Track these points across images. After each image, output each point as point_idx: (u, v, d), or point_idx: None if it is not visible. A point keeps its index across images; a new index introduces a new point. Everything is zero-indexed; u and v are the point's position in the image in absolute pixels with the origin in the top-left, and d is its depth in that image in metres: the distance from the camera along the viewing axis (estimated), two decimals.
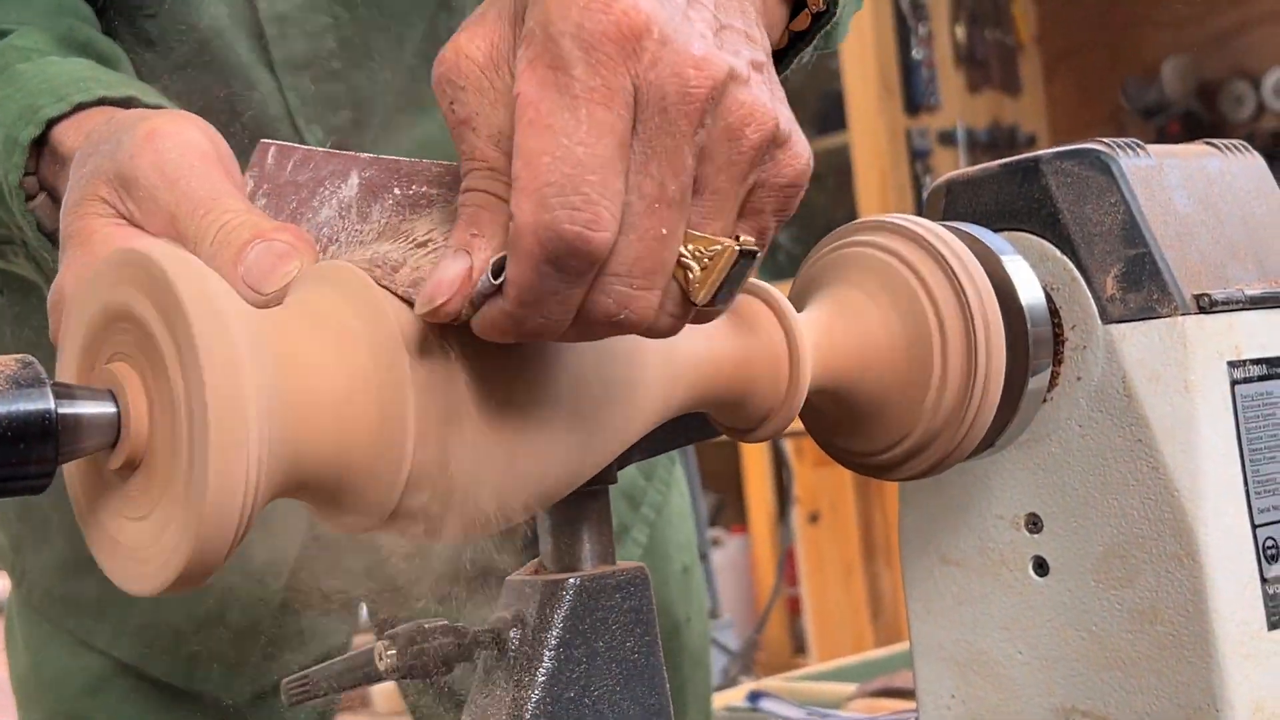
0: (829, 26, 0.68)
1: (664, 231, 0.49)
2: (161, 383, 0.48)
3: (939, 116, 3.83)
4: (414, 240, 0.54)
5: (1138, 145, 0.68)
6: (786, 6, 0.64)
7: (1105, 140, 0.68)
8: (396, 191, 0.57)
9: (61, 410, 0.47)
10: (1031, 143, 3.97)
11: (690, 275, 0.50)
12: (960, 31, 3.92)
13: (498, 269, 0.49)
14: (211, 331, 0.47)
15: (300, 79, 0.90)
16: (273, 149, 0.60)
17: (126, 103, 0.70)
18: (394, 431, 0.51)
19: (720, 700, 1.98)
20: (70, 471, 0.52)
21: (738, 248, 0.50)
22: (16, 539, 1.05)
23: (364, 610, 1.12)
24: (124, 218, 0.60)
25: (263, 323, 0.50)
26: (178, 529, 0.48)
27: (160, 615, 1.01)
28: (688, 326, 0.54)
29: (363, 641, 1.16)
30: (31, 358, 0.47)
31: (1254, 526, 0.65)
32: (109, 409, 0.49)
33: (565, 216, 0.47)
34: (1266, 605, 0.65)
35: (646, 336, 0.52)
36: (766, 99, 0.50)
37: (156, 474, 0.49)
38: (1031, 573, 0.69)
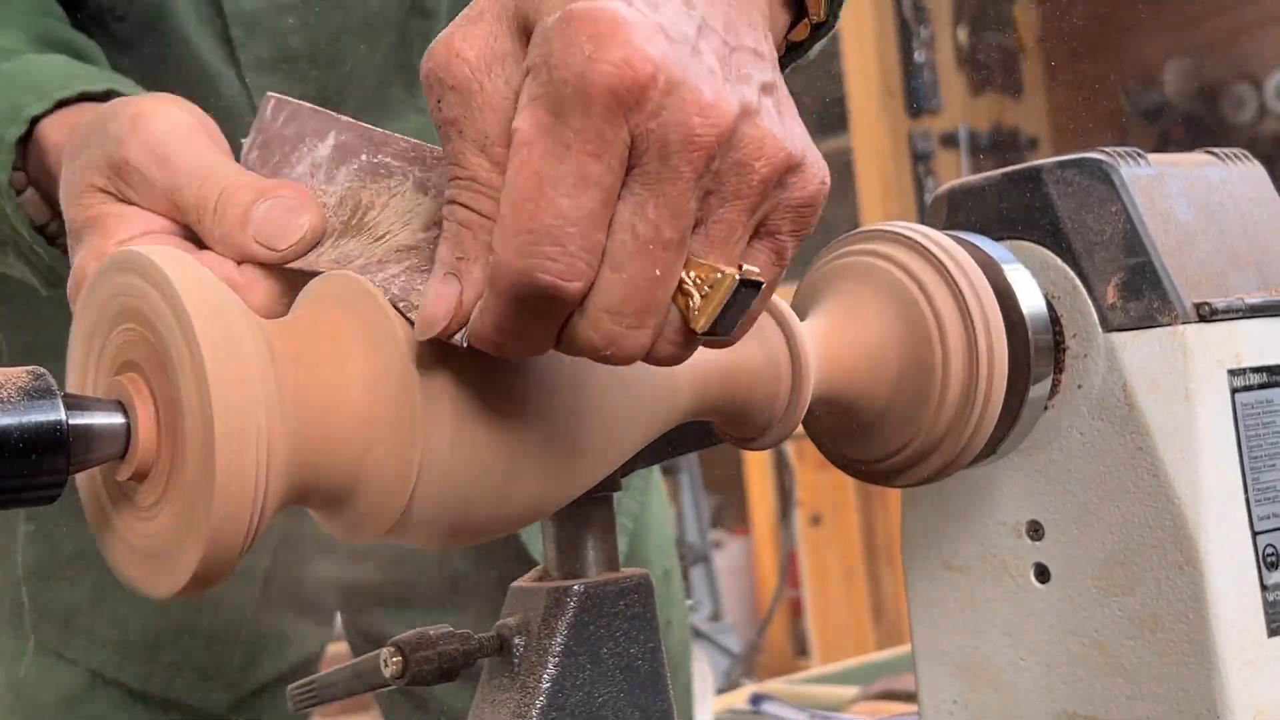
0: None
1: (657, 273, 0.49)
2: (170, 393, 0.49)
3: (941, 119, 3.84)
4: (375, 236, 0.55)
5: (1138, 154, 0.69)
6: (789, 14, 0.64)
7: (1106, 149, 0.68)
8: (364, 157, 0.58)
9: (73, 421, 0.47)
10: (1034, 145, 3.98)
11: (690, 303, 0.50)
12: (962, 34, 3.92)
13: None
14: (219, 342, 0.47)
15: (268, 81, 0.89)
16: (272, 101, 0.61)
17: (106, 96, 0.70)
18: (401, 440, 0.51)
19: (722, 703, 1.99)
20: (83, 478, 0.53)
21: (738, 277, 0.50)
22: None
23: (338, 618, 1.13)
24: (125, 201, 0.60)
25: (270, 333, 0.51)
26: (188, 535, 0.48)
27: (131, 624, 1.01)
28: None
29: (337, 649, 1.16)
30: (43, 369, 0.47)
31: (1254, 534, 0.66)
32: (118, 420, 0.49)
33: (539, 265, 0.47)
34: (1266, 612, 0.65)
35: (651, 364, 0.52)
36: (778, 129, 0.50)
37: (166, 482, 0.49)
38: (1033, 579, 0.70)
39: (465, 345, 0.50)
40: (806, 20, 0.63)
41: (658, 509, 1.14)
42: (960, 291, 0.64)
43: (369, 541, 0.54)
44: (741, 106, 0.49)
